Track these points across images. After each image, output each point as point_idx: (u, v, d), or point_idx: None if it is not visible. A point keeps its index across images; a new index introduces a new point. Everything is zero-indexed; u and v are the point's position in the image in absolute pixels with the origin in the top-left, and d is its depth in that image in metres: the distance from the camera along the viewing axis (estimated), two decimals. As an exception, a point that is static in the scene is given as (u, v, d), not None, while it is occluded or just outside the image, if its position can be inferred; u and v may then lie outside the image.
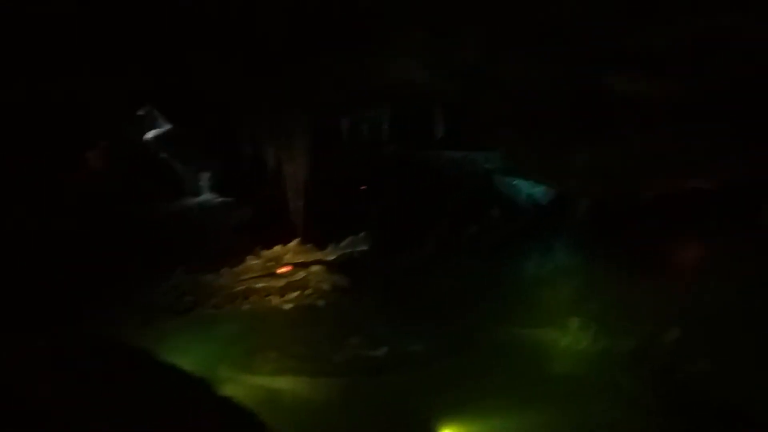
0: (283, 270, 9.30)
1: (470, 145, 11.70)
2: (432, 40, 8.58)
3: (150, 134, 11.44)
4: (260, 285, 8.97)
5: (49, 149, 9.91)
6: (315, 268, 9.31)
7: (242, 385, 6.54)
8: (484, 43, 8.49)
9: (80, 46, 9.54)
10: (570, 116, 9.66)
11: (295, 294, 8.87)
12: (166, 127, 11.43)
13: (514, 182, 11.42)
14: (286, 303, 8.77)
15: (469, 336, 8.02)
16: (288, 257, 9.40)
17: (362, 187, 11.90)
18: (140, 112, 11.36)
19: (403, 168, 11.81)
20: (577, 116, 9.66)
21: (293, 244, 9.45)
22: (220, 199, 11.50)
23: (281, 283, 9.01)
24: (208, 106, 10.93)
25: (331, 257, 9.55)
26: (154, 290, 8.53)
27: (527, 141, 10.41)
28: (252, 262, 9.26)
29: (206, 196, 11.61)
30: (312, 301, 8.82)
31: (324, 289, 8.99)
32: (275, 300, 8.81)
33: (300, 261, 9.43)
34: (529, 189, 11.28)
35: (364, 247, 9.60)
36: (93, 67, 9.88)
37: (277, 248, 9.39)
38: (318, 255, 9.53)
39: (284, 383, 6.89)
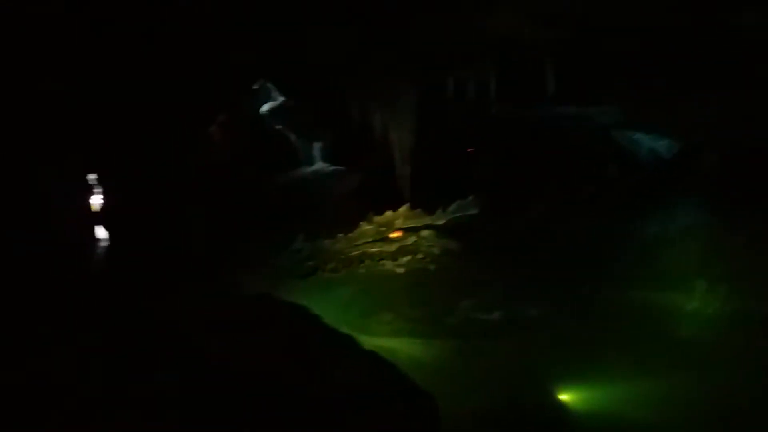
0: (395, 235, 9.49)
1: (584, 100, 11.11)
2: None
3: (265, 107, 11.96)
4: (374, 250, 9.21)
5: (175, 127, 10.70)
6: (425, 232, 9.41)
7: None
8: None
9: (199, 25, 10.15)
10: (698, 60, 8.93)
11: (407, 258, 9.02)
12: (280, 99, 11.88)
13: (634, 136, 10.70)
14: (399, 267, 8.96)
15: (588, 299, 7.79)
16: (399, 222, 9.54)
17: (469, 150, 11.74)
18: (255, 87, 11.87)
19: (512, 127, 11.47)
20: (706, 60, 8.91)
21: (403, 209, 9.58)
22: (331, 168, 11.85)
23: (393, 247, 9.19)
24: (319, 77, 11.24)
25: (441, 221, 9.57)
26: (277, 255, 9.02)
27: (649, 91, 9.77)
28: (365, 227, 9.50)
29: (319, 165, 12.02)
30: (423, 265, 8.94)
31: (435, 253, 9.07)
32: (388, 264, 9.02)
33: (410, 226, 9.55)
34: (651, 143, 10.52)
35: (474, 211, 9.52)
36: (209, 46, 10.52)
37: (388, 214, 9.55)
38: (428, 219, 9.59)
39: (399, 344, 7.09)
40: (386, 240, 9.46)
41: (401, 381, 4.02)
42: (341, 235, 9.46)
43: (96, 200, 11.71)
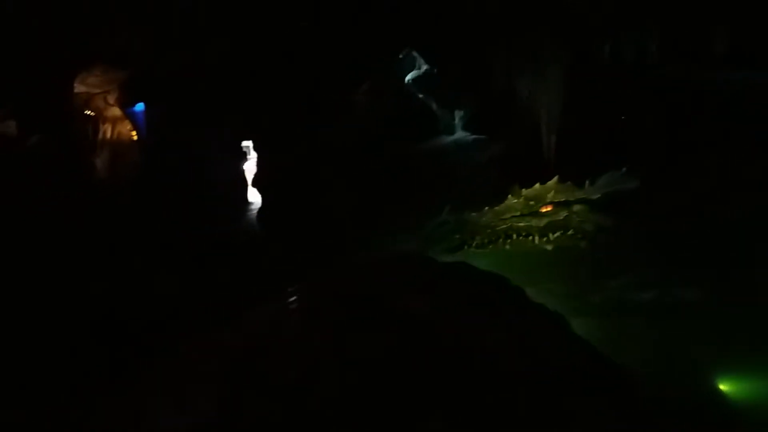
0: (545, 209, 9.12)
1: (758, 64, 9.96)
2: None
3: (409, 76, 12.07)
4: (522, 224, 8.91)
5: (323, 97, 11.17)
6: (577, 207, 8.92)
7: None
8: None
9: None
10: None
11: (557, 234, 8.66)
12: (425, 68, 11.92)
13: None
14: (548, 243, 8.63)
15: (751, 285, 7.06)
16: (549, 196, 9.15)
17: (623, 117, 11.01)
18: (401, 55, 12.01)
19: (674, 93, 10.56)
20: None
21: (553, 182, 9.15)
22: (472, 137, 11.73)
23: (543, 222, 8.84)
24: (464, 43, 11.12)
25: (595, 196, 9.04)
26: (422, 226, 9.09)
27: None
28: (512, 201, 9.23)
29: (460, 134, 11.94)
30: (574, 242, 8.54)
31: (587, 229, 8.61)
32: (537, 240, 8.72)
33: (561, 200, 9.12)
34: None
35: (631, 185, 8.89)
36: (356, 16, 10.80)
37: (537, 187, 9.18)
38: (580, 193, 9.09)
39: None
40: (535, 214, 9.11)
41: (614, 367, 3.90)
42: (487, 208, 9.26)
43: (249, 166, 12.67)
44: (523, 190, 9.21)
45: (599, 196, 9.01)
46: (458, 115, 12.05)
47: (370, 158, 11.07)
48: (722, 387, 5.63)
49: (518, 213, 9.09)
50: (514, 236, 8.83)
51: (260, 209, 11.48)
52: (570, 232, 8.63)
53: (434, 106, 12.22)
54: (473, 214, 9.16)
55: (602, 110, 10.75)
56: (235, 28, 10.82)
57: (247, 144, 12.73)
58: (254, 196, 12.23)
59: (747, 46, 10.27)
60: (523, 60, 10.85)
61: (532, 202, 9.10)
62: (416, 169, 10.94)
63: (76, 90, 11.30)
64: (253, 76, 11.05)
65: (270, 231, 10.52)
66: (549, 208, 9.08)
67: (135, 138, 12.55)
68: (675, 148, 9.64)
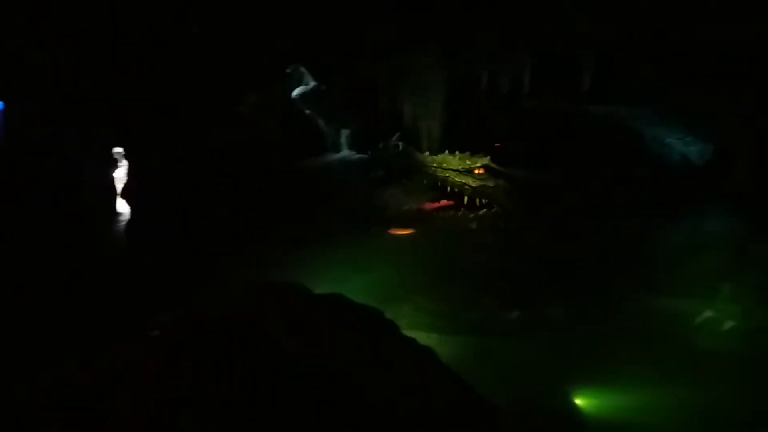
0: (478, 171, 9.55)
1: (619, 100, 10.93)
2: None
3: (296, 91, 11.95)
4: (458, 179, 9.58)
5: (204, 106, 10.78)
6: (503, 182, 9.62)
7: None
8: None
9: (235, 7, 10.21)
10: (740, 63, 8.75)
11: (483, 211, 9.39)
12: (312, 84, 11.86)
13: (666, 141, 10.50)
14: (473, 221, 9.25)
15: (612, 303, 7.72)
16: (482, 161, 9.94)
17: (497, 144, 11.62)
18: (288, 70, 11.88)
19: (543, 123, 11.32)
20: (747, 63, 8.72)
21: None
22: (357, 156, 11.82)
23: (476, 183, 9.51)
24: (352, 64, 11.24)
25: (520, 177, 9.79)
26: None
27: (690, 92, 9.62)
28: (449, 156, 9.94)
29: (345, 152, 11.99)
30: (495, 222, 9.10)
31: (508, 207, 9.27)
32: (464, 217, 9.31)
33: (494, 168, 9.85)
34: (683, 148, 10.32)
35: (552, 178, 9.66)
36: (245, 27, 10.57)
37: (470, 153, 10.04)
38: (508, 171, 9.96)
39: (415, 337, 7.06)
40: (470, 174, 9.64)
41: (480, 401, 3.99)
42: (428, 153, 9.91)
43: (120, 174, 11.85)
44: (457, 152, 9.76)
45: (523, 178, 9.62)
46: (344, 133, 12.11)
47: (252, 172, 10.82)
48: (577, 401, 6.05)
49: (455, 168, 9.43)
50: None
51: (128, 223, 10.81)
52: (494, 209, 9.31)
53: (320, 123, 12.20)
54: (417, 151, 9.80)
55: (479, 136, 11.31)
56: (118, 23, 10.15)
57: (119, 150, 11.93)
58: (124, 207, 11.50)
59: (608, 82, 11.25)
60: (407, 84, 11.18)
61: (468, 162, 9.55)
62: (301, 185, 10.85)
63: None
64: (131, 77, 10.44)
65: (136, 248, 9.90)
66: (481, 171, 9.58)
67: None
68: (546, 174, 10.30)
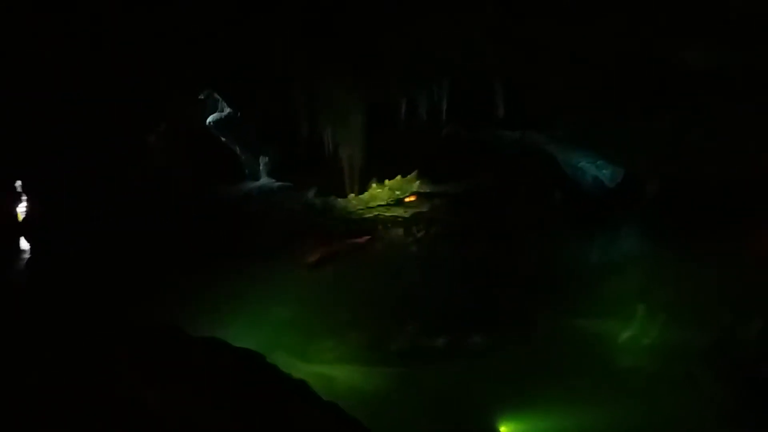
0: (409, 199, 9.05)
1: (532, 125, 11.21)
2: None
3: (210, 118, 11.52)
4: (388, 214, 8.99)
5: (116, 137, 10.18)
6: (439, 201, 9.16)
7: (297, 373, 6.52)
8: (553, 11, 8.06)
9: (142, 31, 9.73)
10: (644, 92, 9.12)
11: (421, 233, 8.69)
12: (226, 111, 11.46)
13: (579, 164, 10.83)
14: (413, 244, 8.63)
15: (530, 326, 7.73)
16: (413, 186, 9.39)
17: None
18: (201, 97, 11.46)
19: (460, 148, 11.43)
20: (652, 92, 9.10)
21: (414, 174, 9.21)
22: (278, 184, 11.49)
23: (408, 213, 8.95)
24: (267, 89, 10.96)
25: (459, 190, 9.26)
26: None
27: (597, 118, 9.93)
28: (377, 189, 9.37)
29: (265, 180, 11.63)
30: (438, 242, 8.57)
31: (452, 224, 8.74)
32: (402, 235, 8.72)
33: (424, 191, 9.26)
34: (595, 171, 10.66)
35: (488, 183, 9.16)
36: (154, 56, 10.10)
37: (399, 178, 9.29)
38: (442, 187, 9.32)
39: (339, 371, 6.81)
40: (401, 204, 9.07)
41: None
42: (352, 195, 9.16)
43: (21, 209, 10.99)
44: (386, 180, 9.13)
45: (461, 191, 9.16)
46: (263, 160, 11.75)
47: (167, 202, 10.26)
48: (502, 429, 5.93)
49: (383, 202, 8.99)
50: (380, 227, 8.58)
51: (29, 260, 9.98)
52: (433, 229, 8.53)
53: (237, 150, 11.80)
54: (338, 199, 8.77)
55: (399, 161, 11.28)
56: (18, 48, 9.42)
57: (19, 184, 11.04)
58: (25, 243, 10.63)
59: (522, 109, 11.54)
60: (325, 109, 11.00)
61: (397, 192, 9.07)
62: (219, 214, 10.39)
63: None
64: (33, 105, 9.70)
65: (37, 287, 9.10)
66: (413, 199, 9.09)
67: None
68: (461, 199, 10.35)
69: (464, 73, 10.78)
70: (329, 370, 6.77)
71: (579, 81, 10.27)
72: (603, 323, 7.74)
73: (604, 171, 10.60)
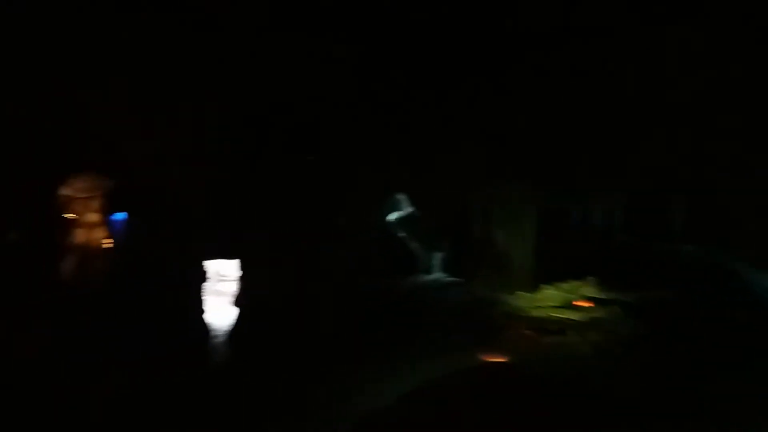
0: (583, 304, 8.92)
1: (713, 240, 11.02)
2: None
3: (392, 215, 12.64)
4: (560, 315, 8.69)
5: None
6: (613, 307, 8.84)
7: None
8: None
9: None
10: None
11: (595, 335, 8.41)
12: (408, 210, 12.56)
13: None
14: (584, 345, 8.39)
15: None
16: (584, 291, 9.11)
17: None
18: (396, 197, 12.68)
19: (635, 257, 11.43)
20: None
21: (590, 279, 9.11)
22: (449, 278, 12.16)
23: (580, 316, 8.58)
24: (446, 195, 11.92)
25: (630, 299, 8.88)
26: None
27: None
28: (549, 290, 9.21)
29: (437, 275, 12.37)
30: (609, 346, 8.27)
31: (622, 333, 8.40)
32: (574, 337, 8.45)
33: (597, 296, 8.92)
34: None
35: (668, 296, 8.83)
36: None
37: (572, 281, 9.22)
38: (615, 294, 8.97)
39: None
40: (573, 307, 8.87)
41: None
42: (520, 292, 9.08)
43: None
44: (555, 283, 9.12)
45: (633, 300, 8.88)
46: (437, 256, 12.55)
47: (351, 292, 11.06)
48: None
49: (555, 304, 8.79)
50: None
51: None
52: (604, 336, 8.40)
53: (414, 245, 12.73)
54: (508, 296, 8.96)
55: (570, 266, 11.42)
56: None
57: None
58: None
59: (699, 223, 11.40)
60: (499, 211, 11.67)
61: (569, 295, 8.98)
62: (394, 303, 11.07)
63: (60, 192, 11.17)
64: None
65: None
66: (587, 304, 8.92)
67: (107, 246, 12.24)
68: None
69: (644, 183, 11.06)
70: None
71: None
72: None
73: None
